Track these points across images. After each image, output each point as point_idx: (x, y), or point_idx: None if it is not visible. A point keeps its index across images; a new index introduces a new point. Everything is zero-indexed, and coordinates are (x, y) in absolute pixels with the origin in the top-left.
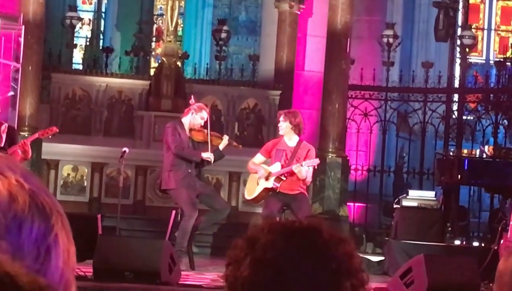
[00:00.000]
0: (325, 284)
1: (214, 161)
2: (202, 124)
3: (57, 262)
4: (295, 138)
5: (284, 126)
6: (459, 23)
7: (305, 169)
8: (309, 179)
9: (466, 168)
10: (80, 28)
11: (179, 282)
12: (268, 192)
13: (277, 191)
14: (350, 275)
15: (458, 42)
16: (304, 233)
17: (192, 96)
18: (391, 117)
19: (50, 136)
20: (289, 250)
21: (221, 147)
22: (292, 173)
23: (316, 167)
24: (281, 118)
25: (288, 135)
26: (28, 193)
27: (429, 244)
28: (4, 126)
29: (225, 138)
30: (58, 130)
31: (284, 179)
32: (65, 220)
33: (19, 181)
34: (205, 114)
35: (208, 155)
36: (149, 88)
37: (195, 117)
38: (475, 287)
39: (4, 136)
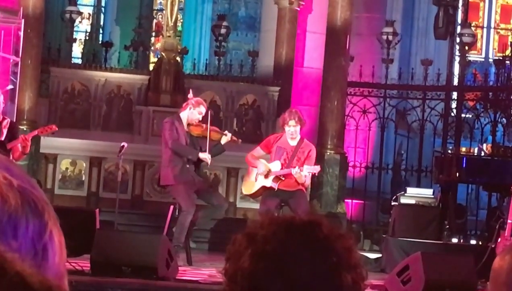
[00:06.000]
0: (325, 277)
1: (213, 156)
2: (200, 119)
3: (53, 258)
4: (298, 136)
5: (298, 130)
6: (459, 21)
7: (304, 174)
8: (307, 183)
9: (464, 165)
10: (80, 22)
11: (177, 277)
12: (266, 190)
13: (276, 190)
14: (350, 269)
15: (458, 40)
16: (305, 226)
17: (190, 90)
18: (389, 115)
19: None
20: (290, 242)
21: (222, 141)
22: (291, 173)
23: (316, 174)
24: (293, 123)
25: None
26: (18, 190)
27: (426, 241)
28: (6, 122)
29: (228, 135)
30: (57, 129)
31: (283, 178)
32: (52, 210)
33: (7, 178)
34: (203, 109)
35: (205, 156)
36: (148, 83)
37: (193, 113)
38: (472, 285)
39: (5, 131)
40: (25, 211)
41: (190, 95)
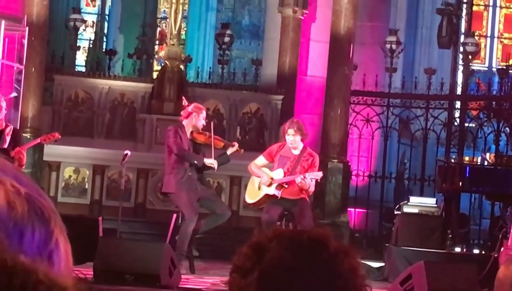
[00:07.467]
0: None
1: (219, 165)
2: (205, 123)
3: (59, 265)
4: (300, 146)
5: (297, 140)
6: (462, 30)
7: (308, 181)
8: (311, 189)
9: (467, 175)
10: (84, 30)
11: (179, 286)
12: (269, 198)
13: (279, 197)
14: None
15: (461, 49)
16: (312, 246)
17: (184, 98)
18: (393, 124)
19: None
20: (297, 265)
21: (229, 152)
22: (294, 181)
23: (319, 180)
24: (292, 132)
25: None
26: (25, 198)
27: (429, 250)
28: (9, 129)
29: (235, 146)
30: (60, 137)
31: (286, 186)
32: (59, 219)
33: (14, 186)
34: (204, 113)
35: (211, 162)
36: (151, 91)
37: (198, 119)
38: None
39: (8, 138)
40: (32, 219)
41: (185, 103)
